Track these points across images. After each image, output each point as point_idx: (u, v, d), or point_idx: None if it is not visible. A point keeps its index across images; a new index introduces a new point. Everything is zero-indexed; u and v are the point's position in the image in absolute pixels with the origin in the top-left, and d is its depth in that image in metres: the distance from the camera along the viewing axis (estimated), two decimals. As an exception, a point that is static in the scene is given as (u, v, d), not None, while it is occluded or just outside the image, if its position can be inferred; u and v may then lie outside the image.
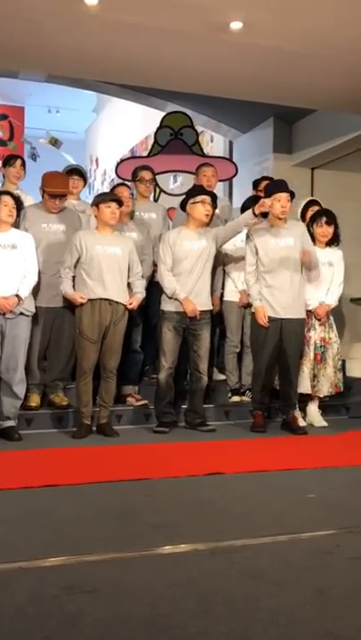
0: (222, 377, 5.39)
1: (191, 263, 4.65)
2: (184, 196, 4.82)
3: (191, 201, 4.69)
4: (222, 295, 5.27)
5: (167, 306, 4.68)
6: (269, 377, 4.75)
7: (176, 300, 4.62)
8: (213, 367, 5.35)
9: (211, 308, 4.75)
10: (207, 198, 4.68)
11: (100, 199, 4.50)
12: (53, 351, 4.77)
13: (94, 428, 4.57)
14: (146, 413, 4.88)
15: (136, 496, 3.14)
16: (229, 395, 5.20)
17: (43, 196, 4.70)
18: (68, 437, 4.45)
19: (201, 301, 4.67)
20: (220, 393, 5.24)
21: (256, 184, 5.58)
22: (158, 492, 3.21)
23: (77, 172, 5.34)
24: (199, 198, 4.65)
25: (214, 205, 4.86)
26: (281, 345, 4.69)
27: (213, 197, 4.99)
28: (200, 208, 4.65)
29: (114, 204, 4.46)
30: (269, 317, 4.65)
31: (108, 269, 4.48)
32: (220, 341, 5.53)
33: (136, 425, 4.84)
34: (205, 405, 4.90)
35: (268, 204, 4.58)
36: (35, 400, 4.70)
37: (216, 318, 5.08)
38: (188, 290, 4.63)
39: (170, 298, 4.63)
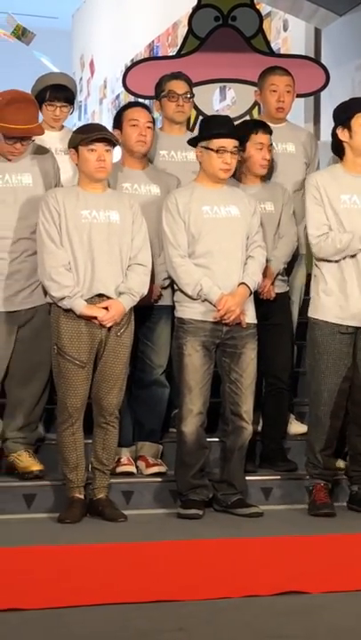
0: (304, 428, 5.42)
1: (218, 242, 4.70)
2: (200, 128, 4.85)
3: (202, 143, 4.71)
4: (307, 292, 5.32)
5: (188, 312, 4.73)
6: (336, 426, 4.81)
7: (205, 300, 4.67)
8: (290, 413, 5.39)
9: (255, 320, 4.80)
10: (228, 145, 4.64)
11: (79, 138, 4.56)
12: (15, 383, 4.84)
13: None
14: (173, 489, 4.93)
15: (158, 629, 3.19)
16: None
17: None
18: (41, 526, 4.54)
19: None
20: (300, 456, 5.26)
21: None
22: (195, 624, 3.27)
23: (61, 89, 5.33)
24: (215, 144, 4.65)
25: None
26: (357, 372, 4.74)
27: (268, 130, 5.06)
28: (215, 160, 4.68)
29: (102, 147, 4.54)
30: (338, 327, 4.72)
31: (101, 248, 4.55)
32: (297, 367, 5.54)
33: (156, 508, 4.90)
34: (253, 477, 4.96)
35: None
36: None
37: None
38: (221, 284, 4.68)
39: (192, 298, 4.69)
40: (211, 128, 4.71)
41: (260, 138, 5.02)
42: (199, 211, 4.69)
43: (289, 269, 5.30)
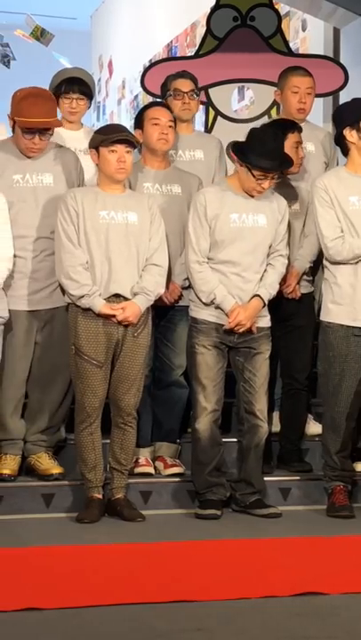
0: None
1: (240, 253, 4.70)
2: (249, 133, 4.76)
3: (242, 160, 4.64)
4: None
5: (202, 313, 4.75)
6: (350, 428, 4.81)
7: (217, 307, 4.69)
8: (308, 413, 5.38)
9: (269, 324, 4.81)
10: (271, 173, 4.59)
11: (99, 139, 4.58)
12: (36, 386, 4.85)
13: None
14: (191, 489, 4.93)
15: (176, 630, 3.20)
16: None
17: (13, 129, 4.78)
18: (59, 525, 4.55)
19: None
20: (319, 456, 5.26)
21: None
22: (213, 624, 3.27)
23: (76, 82, 5.32)
24: (258, 171, 4.59)
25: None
26: None
27: (298, 129, 5.06)
28: (253, 182, 4.65)
29: (122, 148, 4.54)
30: (352, 329, 4.72)
31: (118, 248, 4.57)
32: (314, 368, 5.54)
33: (174, 508, 4.90)
34: (271, 477, 4.96)
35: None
36: (8, 465, 4.79)
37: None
38: (236, 293, 4.69)
39: (206, 304, 4.71)
40: (259, 154, 4.58)
41: (296, 137, 5.00)
42: (227, 218, 4.68)
43: (315, 269, 5.28)
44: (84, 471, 4.63)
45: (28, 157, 4.74)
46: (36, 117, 4.60)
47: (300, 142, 5.06)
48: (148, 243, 4.63)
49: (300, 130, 5.08)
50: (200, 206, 4.70)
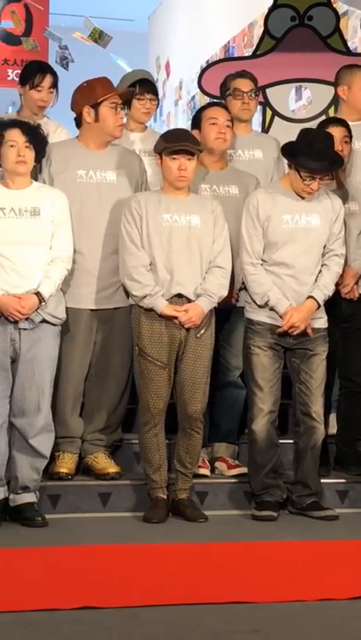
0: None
1: (294, 254, 4.68)
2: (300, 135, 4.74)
3: (290, 161, 4.65)
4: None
5: (257, 314, 4.74)
6: None
7: (272, 309, 4.69)
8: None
9: (326, 325, 4.78)
10: (318, 173, 4.56)
11: (162, 146, 4.60)
12: (93, 385, 4.88)
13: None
14: (247, 490, 4.92)
15: (232, 631, 3.19)
16: None
17: (79, 122, 4.81)
18: (116, 524, 4.58)
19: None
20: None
21: None
22: (270, 626, 3.26)
23: (147, 83, 5.35)
24: (305, 172, 4.58)
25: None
26: None
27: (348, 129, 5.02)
28: (301, 184, 4.64)
29: (183, 156, 4.56)
30: None
31: (180, 250, 4.60)
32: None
33: (231, 509, 4.90)
34: (328, 479, 4.93)
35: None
36: (66, 464, 4.82)
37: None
38: (291, 295, 4.68)
39: (260, 306, 4.71)
40: (306, 155, 4.57)
41: (331, 131, 4.92)
42: (279, 219, 4.67)
43: None
44: (148, 472, 4.65)
45: (115, 137, 4.81)
46: (114, 91, 4.77)
47: (336, 137, 4.87)
48: (211, 245, 4.64)
49: (339, 124, 5.01)
50: (252, 208, 4.70)
